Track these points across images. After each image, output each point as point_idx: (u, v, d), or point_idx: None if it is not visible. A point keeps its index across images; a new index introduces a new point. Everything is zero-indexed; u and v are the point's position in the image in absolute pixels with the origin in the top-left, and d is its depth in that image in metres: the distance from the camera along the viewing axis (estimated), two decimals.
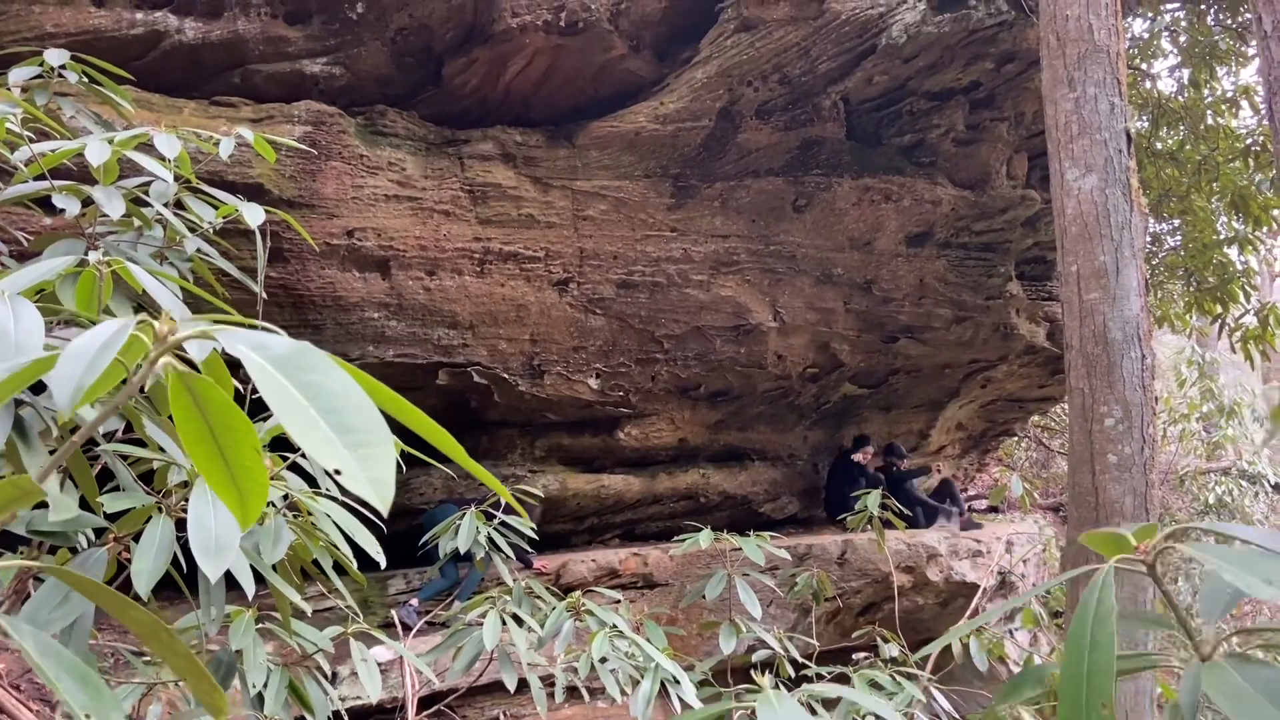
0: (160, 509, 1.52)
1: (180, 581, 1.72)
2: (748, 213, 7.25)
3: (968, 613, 6.99)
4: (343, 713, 2.48)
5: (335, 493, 2.20)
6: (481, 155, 6.19)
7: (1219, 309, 9.44)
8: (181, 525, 1.42)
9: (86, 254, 1.76)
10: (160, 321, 0.62)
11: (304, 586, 2.27)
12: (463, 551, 3.64)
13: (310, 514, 1.83)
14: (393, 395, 0.68)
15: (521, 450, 7.58)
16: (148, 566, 1.30)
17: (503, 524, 3.97)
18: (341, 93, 5.76)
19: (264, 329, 0.65)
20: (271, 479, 1.85)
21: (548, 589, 4.03)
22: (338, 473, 0.57)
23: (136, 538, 1.40)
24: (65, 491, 1.63)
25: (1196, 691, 0.80)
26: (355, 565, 2.21)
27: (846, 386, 9.20)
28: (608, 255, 6.82)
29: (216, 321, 0.70)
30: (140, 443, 1.77)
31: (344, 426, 0.57)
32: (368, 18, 5.53)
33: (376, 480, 0.56)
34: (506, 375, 6.79)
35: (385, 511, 0.57)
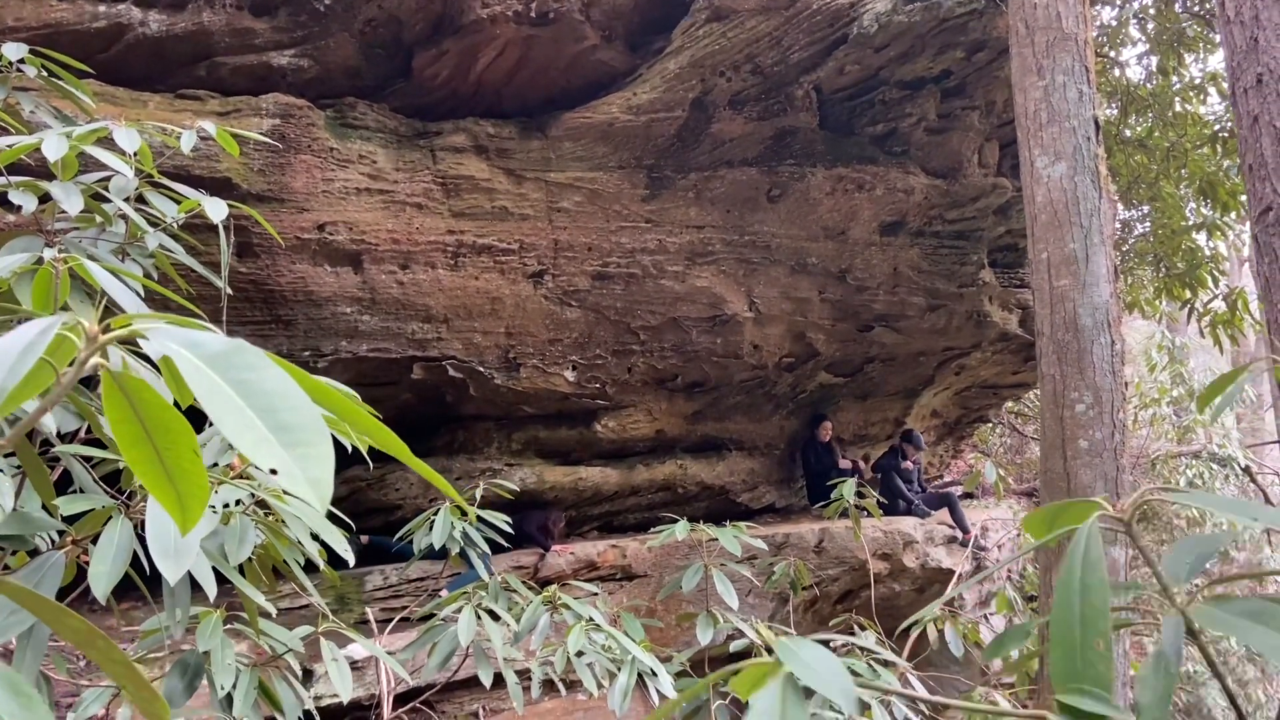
0: (120, 511, 1.49)
1: (142, 585, 1.70)
2: (722, 203, 7.25)
3: (942, 599, 7.04)
4: (314, 712, 2.46)
5: None
6: (454, 147, 6.14)
7: (1188, 294, 9.54)
8: (143, 527, 1.40)
9: (43, 251, 1.72)
10: (90, 320, 0.60)
11: (276, 585, 2.24)
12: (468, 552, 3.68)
13: (276, 513, 1.81)
14: (334, 394, 0.67)
15: (498, 444, 7.55)
16: (106, 569, 1.27)
17: (480, 519, 3.95)
18: (310, 85, 5.69)
19: (204, 327, 0.63)
20: (238, 477, 1.82)
21: (525, 583, 4.02)
22: (274, 472, 0.55)
23: (96, 540, 1.38)
24: (25, 494, 1.60)
25: (1179, 638, 0.83)
26: (326, 562, 2.19)
27: (822, 375, 9.23)
28: (582, 247, 6.80)
29: (174, 320, 0.68)
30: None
31: (281, 425, 0.56)
32: (335, 9, 5.47)
33: (315, 480, 0.55)
34: (482, 368, 6.76)
35: (322, 511, 0.56)
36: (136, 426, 0.59)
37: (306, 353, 5.88)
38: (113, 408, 0.58)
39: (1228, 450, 12.96)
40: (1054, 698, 0.77)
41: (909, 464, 9.44)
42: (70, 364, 0.59)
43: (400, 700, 4.76)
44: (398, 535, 4.00)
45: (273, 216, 5.39)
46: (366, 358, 6.16)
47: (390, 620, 5.39)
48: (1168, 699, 0.80)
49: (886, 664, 4.42)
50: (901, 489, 9.10)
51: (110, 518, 1.43)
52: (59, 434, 1.60)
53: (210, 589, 1.55)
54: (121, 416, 0.58)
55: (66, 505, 1.49)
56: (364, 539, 6.63)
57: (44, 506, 1.62)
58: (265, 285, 5.60)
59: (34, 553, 1.50)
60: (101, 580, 1.26)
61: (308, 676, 4.64)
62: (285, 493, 2.01)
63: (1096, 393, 4.47)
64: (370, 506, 6.93)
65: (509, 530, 4.09)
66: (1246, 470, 13.21)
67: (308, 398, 0.57)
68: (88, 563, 1.37)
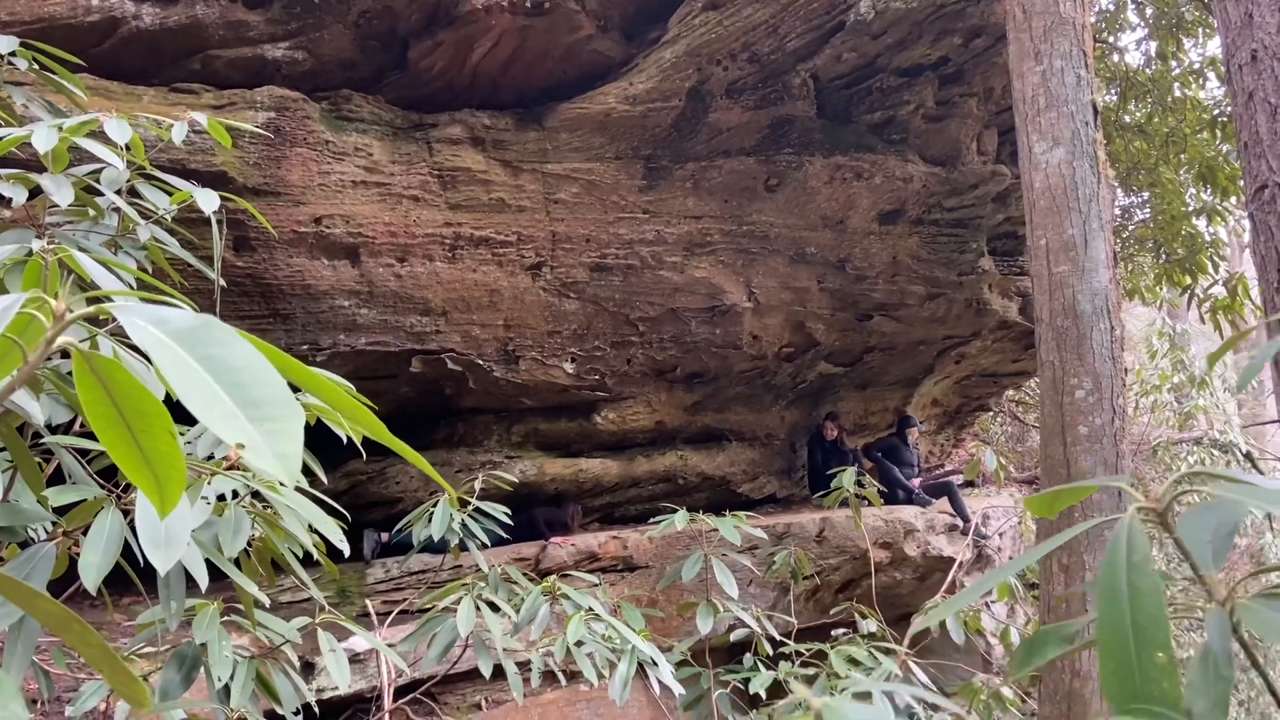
0: (111, 502, 1.48)
1: (135, 578, 1.69)
2: (720, 193, 7.23)
3: (944, 587, 7.05)
4: (313, 704, 2.45)
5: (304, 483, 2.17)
6: (450, 139, 6.12)
7: (1188, 280, 9.52)
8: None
9: (33, 243, 1.71)
10: (57, 299, 0.59)
11: (276, 579, 2.24)
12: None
13: (272, 505, 1.80)
14: (326, 383, 0.66)
15: (498, 436, 7.55)
16: (96, 560, 1.27)
17: (478, 510, 3.95)
18: (305, 78, 5.67)
19: (178, 305, 0.62)
20: (232, 468, 1.81)
21: (525, 574, 4.02)
22: (242, 448, 0.54)
23: (87, 531, 1.37)
24: (17, 487, 1.60)
25: (1227, 635, 0.75)
26: (330, 556, 2.18)
27: (822, 365, 9.22)
28: (580, 238, 6.78)
29: (147, 298, 0.67)
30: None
31: (249, 400, 0.55)
32: (330, 1, 5.44)
33: (282, 455, 0.54)
34: (481, 361, 6.75)
35: (290, 485, 0.55)
36: (110, 409, 0.58)
37: (305, 346, 5.87)
38: (85, 389, 0.57)
39: (1229, 436, 12.94)
40: (1112, 717, 0.70)
41: (913, 441, 9.44)
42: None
43: (404, 692, 4.76)
44: (396, 528, 4.00)
45: (269, 210, 5.37)
46: (365, 351, 6.15)
47: (393, 613, 5.39)
48: (1225, 705, 0.72)
49: (888, 652, 4.42)
50: (899, 478, 9.09)
51: (101, 509, 1.42)
52: (51, 426, 1.59)
53: (202, 580, 1.55)
54: (94, 399, 0.57)
55: (56, 496, 1.48)
56: (382, 536, 6.59)
57: (39, 501, 1.61)
58: (263, 279, 5.58)
59: (26, 545, 1.50)
60: (91, 571, 1.25)
61: (309, 670, 4.65)
62: (282, 484, 2.00)
63: (1096, 379, 4.46)
64: (371, 500, 6.93)
65: (508, 522, 4.09)
66: (1248, 456, 13.20)
67: (277, 373, 0.56)
68: (79, 553, 1.36)
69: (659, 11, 6.39)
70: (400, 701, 4.19)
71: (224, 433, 0.53)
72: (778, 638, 5.17)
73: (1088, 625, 0.85)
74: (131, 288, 1.78)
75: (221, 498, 1.82)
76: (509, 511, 4.00)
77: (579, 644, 3.18)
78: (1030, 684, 6.05)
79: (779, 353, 8.60)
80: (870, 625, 5.21)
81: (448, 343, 6.52)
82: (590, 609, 3.30)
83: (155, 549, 1.13)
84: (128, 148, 2.47)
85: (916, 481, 9.37)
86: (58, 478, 1.86)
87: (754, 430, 9.36)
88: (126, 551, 1.57)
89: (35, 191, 2.40)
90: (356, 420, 0.85)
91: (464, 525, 3.81)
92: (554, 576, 3.62)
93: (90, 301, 0.62)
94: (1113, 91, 9.82)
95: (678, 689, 3.50)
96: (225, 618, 2.09)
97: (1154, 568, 0.73)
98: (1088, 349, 4.47)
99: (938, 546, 8.41)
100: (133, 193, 2.63)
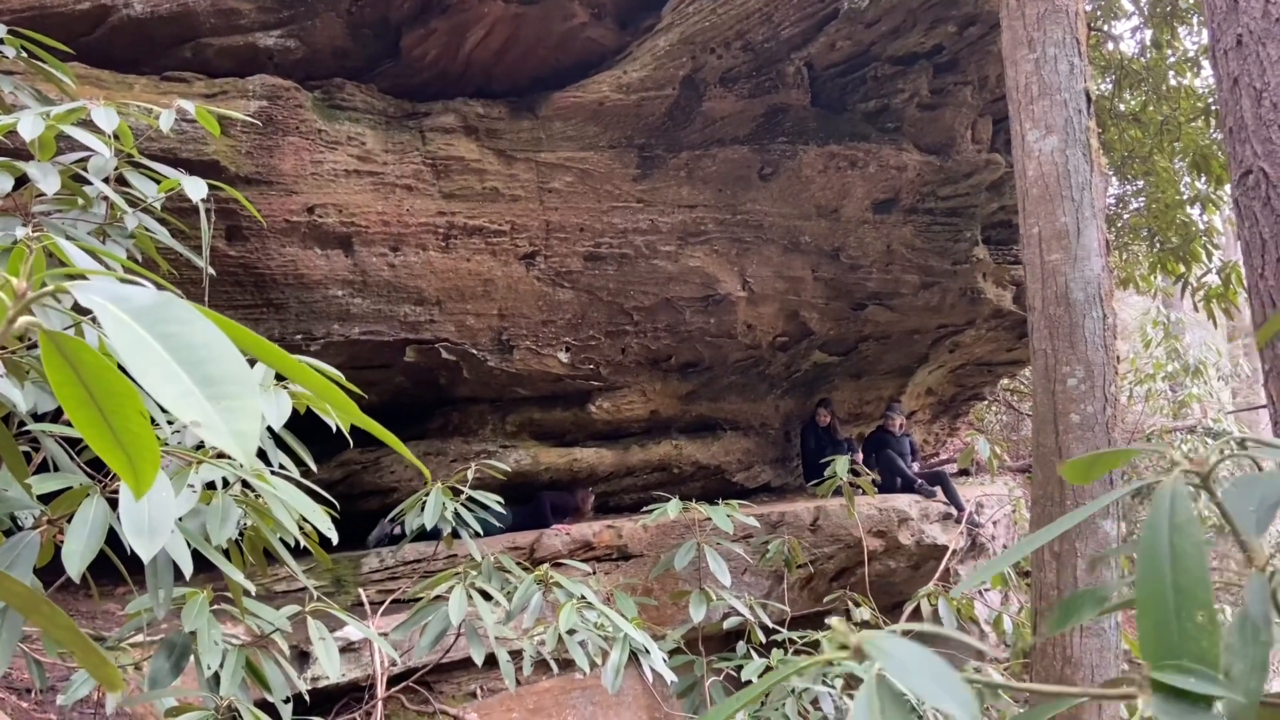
0: (95, 490, 1.48)
1: (122, 568, 1.69)
2: (714, 182, 7.22)
3: (937, 575, 7.07)
4: (305, 694, 2.46)
5: (293, 471, 2.17)
6: (443, 128, 6.10)
7: (1182, 269, 9.54)
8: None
9: (17, 230, 1.71)
10: (25, 276, 0.59)
11: (268, 568, 2.24)
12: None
13: (259, 494, 1.80)
14: (311, 373, 0.66)
15: (493, 426, 7.55)
16: (79, 548, 1.27)
17: (471, 499, 3.95)
18: (297, 66, 5.64)
19: (136, 284, 0.62)
20: (219, 456, 1.81)
21: (520, 564, 4.02)
22: (197, 425, 0.54)
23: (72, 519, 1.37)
24: (1, 475, 1.59)
25: (1265, 599, 0.73)
26: (326, 544, 2.18)
27: (816, 354, 9.22)
28: (574, 228, 6.77)
29: (111, 275, 0.67)
30: None
31: (206, 379, 0.54)
32: None
33: (239, 433, 0.54)
34: (475, 351, 6.75)
35: (247, 463, 0.55)
36: (80, 389, 0.58)
37: (298, 336, 5.86)
38: (53, 369, 0.57)
39: (1222, 425, 12.98)
40: (1147, 674, 0.70)
41: (896, 428, 9.45)
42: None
43: (397, 681, 4.78)
44: (389, 516, 4.00)
45: (262, 199, 5.35)
46: (359, 341, 6.14)
47: (388, 602, 5.40)
48: (1265, 667, 0.71)
49: None
50: (900, 466, 9.11)
51: (85, 497, 1.42)
52: (35, 415, 1.59)
53: (186, 568, 1.54)
54: (63, 379, 0.57)
55: (39, 484, 1.48)
56: (396, 528, 6.58)
57: (23, 489, 1.60)
58: (255, 269, 5.57)
59: (11, 534, 1.50)
60: (75, 559, 1.25)
61: (303, 659, 4.66)
62: (272, 471, 2.00)
63: (1088, 367, 4.47)
64: (365, 489, 6.94)
65: (502, 511, 4.09)
66: (1242, 443, 13.22)
67: (236, 350, 0.56)
68: (63, 542, 1.36)
69: None
70: (393, 690, 4.19)
71: (179, 410, 0.53)
72: (771, 626, 5.19)
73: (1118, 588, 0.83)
74: (118, 277, 1.77)
75: (211, 486, 1.82)
76: (502, 501, 4.00)
77: (571, 632, 3.19)
78: (1023, 671, 6.07)
79: (773, 342, 8.61)
80: (864, 613, 5.23)
81: (442, 332, 6.51)
82: (583, 597, 3.30)
83: (139, 536, 1.12)
84: (116, 136, 2.46)
85: (915, 467, 9.41)
86: (45, 468, 1.86)
87: (748, 420, 9.37)
88: (115, 541, 1.57)
89: (22, 180, 2.39)
90: (339, 408, 0.85)
91: (457, 515, 3.81)
92: (547, 565, 3.63)
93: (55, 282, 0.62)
94: (1107, 80, 9.81)
95: (670, 677, 3.51)
96: (215, 606, 2.09)
97: (1199, 530, 0.73)
98: (1080, 337, 4.48)
99: (931, 535, 8.43)
100: (121, 181, 2.62)
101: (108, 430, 0.59)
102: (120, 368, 0.60)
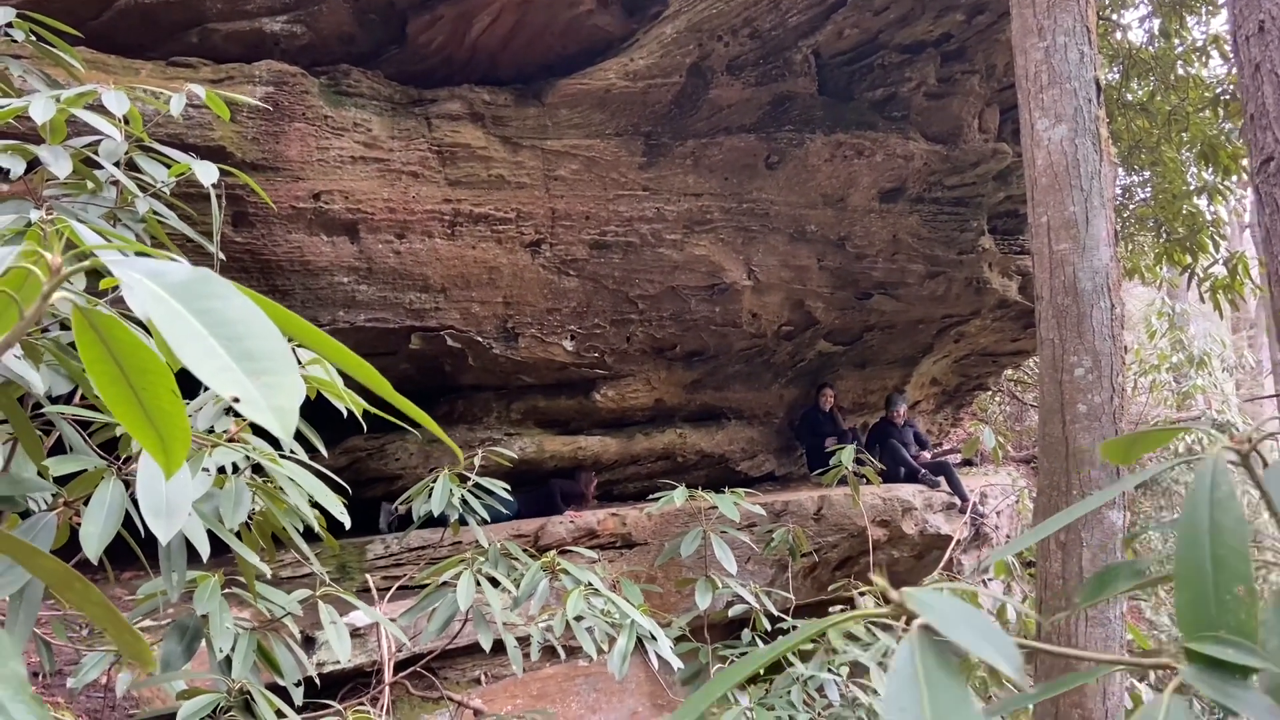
0: (112, 472, 1.48)
1: (138, 551, 1.69)
2: (720, 170, 7.20)
3: (941, 564, 7.08)
4: (315, 677, 2.47)
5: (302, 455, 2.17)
6: (449, 115, 6.08)
7: (1188, 260, 9.50)
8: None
9: (30, 214, 1.70)
10: (52, 252, 0.59)
11: (277, 553, 2.24)
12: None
13: (272, 478, 1.80)
14: (334, 344, 0.65)
15: (497, 414, 7.56)
16: (97, 530, 1.27)
17: (477, 485, 3.96)
18: (303, 52, 5.62)
19: (174, 259, 0.62)
20: (232, 440, 1.81)
21: (525, 551, 4.03)
22: (237, 401, 0.54)
23: (89, 502, 1.37)
24: (17, 457, 1.59)
25: None
26: (331, 531, 2.18)
27: (821, 344, 9.21)
28: (580, 215, 6.76)
29: (143, 250, 0.67)
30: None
31: (245, 354, 0.54)
32: None
33: (279, 409, 0.53)
34: (480, 338, 6.75)
35: (287, 442, 0.54)
36: (112, 366, 0.57)
37: None
38: (85, 345, 0.57)
39: (1227, 415, 12.98)
40: (1184, 645, 0.70)
41: (898, 418, 9.46)
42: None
43: (403, 667, 4.79)
44: (396, 502, 4.01)
45: (268, 185, 5.34)
46: (364, 328, 6.14)
47: (394, 589, 5.41)
48: None
49: (886, 628, 4.45)
50: (904, 456, 9.11)
51: (103, 479, 1.42)
52: (51, 397, 1.59)
53: (204, 550, 1.55)
54: (95, 355, 0.57)
55: (57, 466, 1.48)
56: (402, 509, 6.58)
57: (40, 472, 1.61)
58: (261, 255, 5.56)
59: (27, 515, 1.50)
60: (93, 540, 1.25)
61: (310, 643, 4.67)
62: (283, 456, 2.00)
63: (1095, 357, 4.46)
64: (371, 476, 6.95)
65: (508, 498, 4.10)
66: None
67: (275, 327, 0.56)
68: (80, 524, 1.36)
69: None
70: (400, 675, 4.21)
71: (220, 386, 0.53)
72: (776, 614, 5.20)
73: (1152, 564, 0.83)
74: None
75: (223, 470, 1.82)
76: (508, 487, 4.00)
77: (578, 619, 3.20)
78: (1026, 660, 6.09)
79: (778, 331, 8.60)
80: (869, 601, 5.24)
81: (447, 319, 6.51)
82: (590, 584, 3.31)
83: (157, 518, 1.13)
84: (126, 120, 2.46)
85: (927, 456, 9.41)
86: (59, 450, 1.86)
87: (753, 408, 9.38)
88: (129, 524, 1.58)
89: (33, 164, 2.39)
90: (363, 378, 0.85)
91: (464, 501, 3.82)
92: (554, 552, 3.63)
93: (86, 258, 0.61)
94: (1115, 69, 9.76)
95: (676, 664, 3.52)
96: (226, 590, 2.09)
97: (1239, 505, 0.73)
98: (1088, 327, 4.47)
99: (935, 525, 8.44)
100: (131, 166, 2.61)
101: (139, 408, 0.59)
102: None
